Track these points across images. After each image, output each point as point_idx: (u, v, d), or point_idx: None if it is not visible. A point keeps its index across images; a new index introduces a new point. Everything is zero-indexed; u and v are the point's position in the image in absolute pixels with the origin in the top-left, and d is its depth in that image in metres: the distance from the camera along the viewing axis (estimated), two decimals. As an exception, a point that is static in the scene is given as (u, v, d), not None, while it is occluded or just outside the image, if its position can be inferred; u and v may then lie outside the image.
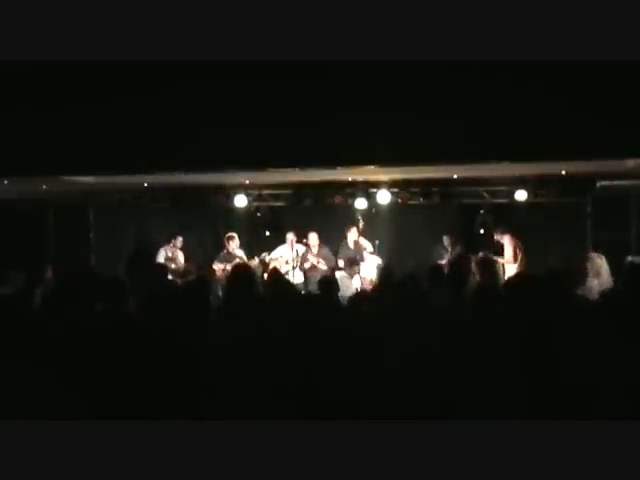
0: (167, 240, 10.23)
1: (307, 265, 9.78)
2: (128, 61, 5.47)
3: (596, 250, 8.18)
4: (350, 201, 9.99)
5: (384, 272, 7.30)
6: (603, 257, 6.88)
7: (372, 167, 7.64)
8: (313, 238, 9.86)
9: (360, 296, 4.43)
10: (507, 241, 9.34)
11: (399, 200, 10.00)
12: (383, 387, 3.18)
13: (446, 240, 9.93)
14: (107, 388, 3.15)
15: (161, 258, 10.06)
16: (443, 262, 9.52)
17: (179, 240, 10.21)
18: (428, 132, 6.35)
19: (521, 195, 9.65)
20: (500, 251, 9.33)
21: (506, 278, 7.19)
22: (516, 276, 5.41)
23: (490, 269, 5.64)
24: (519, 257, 9.25)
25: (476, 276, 5.41)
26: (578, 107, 6.20)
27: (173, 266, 9.82)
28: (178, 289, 4.80)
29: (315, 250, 9.88)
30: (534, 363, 3.20)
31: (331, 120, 6.39)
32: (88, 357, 3.31)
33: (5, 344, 3.37)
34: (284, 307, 4.08)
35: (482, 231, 10.18)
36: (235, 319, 3.63)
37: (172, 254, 10.12)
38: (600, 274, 6.79)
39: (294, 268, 9.61)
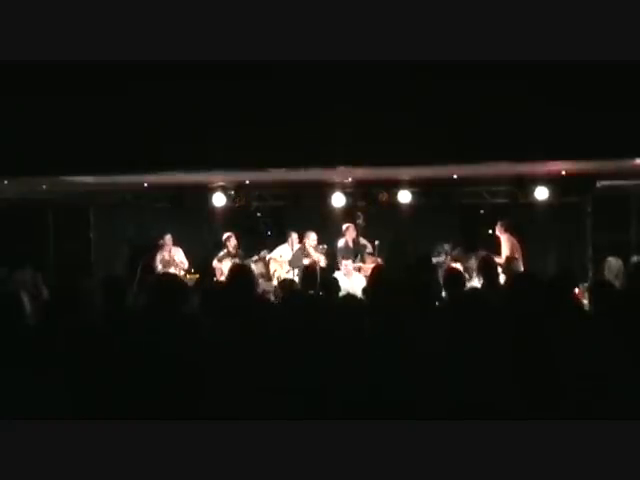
0: (159, 244, 10.03)
1: (306, 261, 9.70)
2: (128, 61, 5.47)
3: (599, 251, 8.14)
4: (352, 201, 10.00)
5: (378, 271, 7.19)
6: (620, 260, 6.84)
7: (372, 167, 7.65)
8: (313, 238, 9.87)
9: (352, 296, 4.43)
10: (505, 239, 9.32)
11: (398, 200, 10.01)
12: (383, 387, 3.18)
13: (446, 247, 9.87)
14: (106, 388, 3.16)
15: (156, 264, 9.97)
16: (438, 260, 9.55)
17: (167, 238, 10.05)
18: (428, 132, 6.35)
19: (542, 193, 9.46)
20: (498, 249, 9.32)
21: (505, 277, 7.19)
22: (517, 276, 5.41)
23: (491, 269, 5.67)
24: (517, 256, 9.23)
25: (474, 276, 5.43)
26: (578, 107, 6.20)
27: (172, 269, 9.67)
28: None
29: (312, 250, 9.87)
30: (532, 364, 3.20)
31: (331, 120, 6.39)
32: (87, 357, 3.31)
33: (6, 344, 3.37)
34: (286, 307, 4.08)
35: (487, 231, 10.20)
36: (234, 319, 3.63)
37: (168, 257, 9.97)
38: (618, 277, 6.74)
39: (294, 268, 9.58)
